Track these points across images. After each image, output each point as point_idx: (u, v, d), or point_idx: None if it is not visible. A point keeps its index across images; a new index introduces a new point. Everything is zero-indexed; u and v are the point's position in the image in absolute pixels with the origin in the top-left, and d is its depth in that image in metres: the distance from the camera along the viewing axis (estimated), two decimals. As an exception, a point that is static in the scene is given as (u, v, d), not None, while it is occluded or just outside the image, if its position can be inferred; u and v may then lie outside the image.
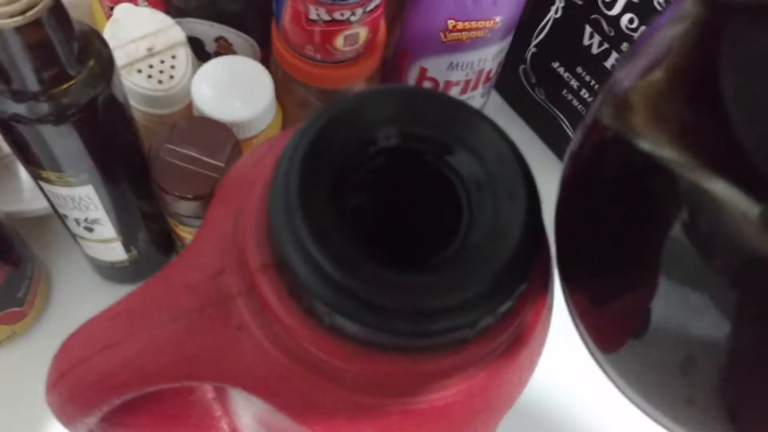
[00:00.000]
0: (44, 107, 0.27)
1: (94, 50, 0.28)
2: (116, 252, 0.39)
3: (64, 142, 0.29)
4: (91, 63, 0.28)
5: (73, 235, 0.38)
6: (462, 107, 0.19)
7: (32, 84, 0.26)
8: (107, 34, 0.37)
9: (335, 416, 0.19)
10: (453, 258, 0.17)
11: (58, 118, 0.27)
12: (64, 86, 0.27)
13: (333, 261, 0.16)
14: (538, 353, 0.22)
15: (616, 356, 0.15)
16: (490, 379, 0.20)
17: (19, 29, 0.24)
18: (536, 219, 0.18)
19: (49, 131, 0.28)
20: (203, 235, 0.21)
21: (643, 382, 0.15)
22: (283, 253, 0.17)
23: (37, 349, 0.41)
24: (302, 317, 0.18)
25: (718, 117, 0.13)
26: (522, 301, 0.19)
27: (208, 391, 0.32)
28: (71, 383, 0.20)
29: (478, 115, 0.19)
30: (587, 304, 0.17)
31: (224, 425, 0.32)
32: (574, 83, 0.44)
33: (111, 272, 0.42)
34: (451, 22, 0.37)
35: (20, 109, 0.27)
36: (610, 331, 0.15)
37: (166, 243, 0.42)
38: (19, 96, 0.27)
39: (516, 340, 0.20)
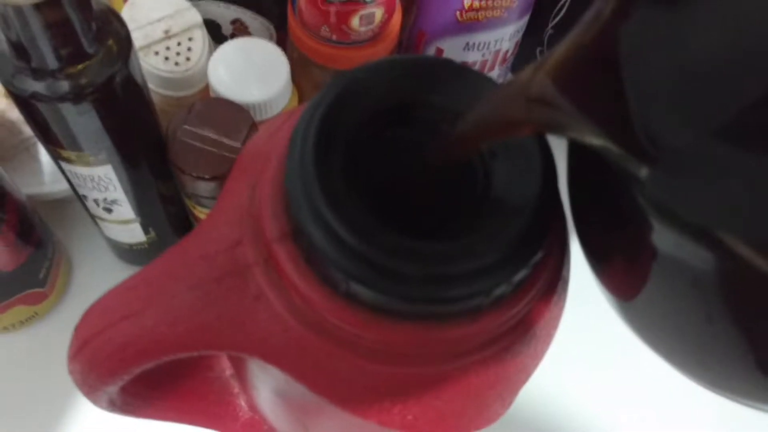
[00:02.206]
0: (63, 85, 0.27)
1: (112, 30, 0.29)
2: (135, 233, 0.39)
3: (83, 120, 0.29)
4: (110, 42, 0.28)
5: (93, 217, 0.38)
6: (477, 76, 0.19)
7: (51, 62, 0.27)
8: (125, 17, 0.37)
9: (351, 385, 0.19)
10: (468, 226, 0.17)
11: (76, 96, 0.28)
12: (83, 64, 0.27)
13: (349, 228, 0.17)
14: (554, 326, 0.22)
15: (635, 303, 0.15)
16: (505, 351, 0.20)
17: (38, 6, 0.24)
18: (552, 188, 0.18)
19: (68, 109, 0.28)
20: (220, 208, 0.21)
21: (662, 321, 0.15)
22: (300, 221, 0.17)
23: (59, 330, 0.42)
24: (319, 286, 0.18)
25: (613, 87, 0.13)
26: (538, 271, 0.19)
27: (226, 368, 0.32)
28: (92, 352, 0.20)
29: (493, 84, 0.19)
30: (601, 260, 0.17)
31: (242, 402, 0.33)
32: (591, 64, 0.43)
33: (130, 254, 0.43)
34: (467, 1, 0.37)
35: (40, 87, 0.27)
36: (626, 281, 0.16)
37: (183, 225, 0.42)
38: (39, 74, 0.27)
39: (531, 311, 0.20)
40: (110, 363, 0.20)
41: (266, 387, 0.24)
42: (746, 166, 0.12)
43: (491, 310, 0.18)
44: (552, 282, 0.20)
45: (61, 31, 0.26)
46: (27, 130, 0.42)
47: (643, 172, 0.13)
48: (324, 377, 0.19)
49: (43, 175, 0.42)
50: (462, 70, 0.19)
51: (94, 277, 0.44)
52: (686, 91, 0.13)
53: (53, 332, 0.42)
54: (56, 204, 0.44)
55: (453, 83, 0.19)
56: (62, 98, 0.28)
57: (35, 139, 0.42)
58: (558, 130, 0.16)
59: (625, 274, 0.16)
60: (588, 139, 0.14)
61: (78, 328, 0.20)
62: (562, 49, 0.15)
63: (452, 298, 0.17)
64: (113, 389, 0.21)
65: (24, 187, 0.40)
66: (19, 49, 0.26)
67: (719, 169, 0.12)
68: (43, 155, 0.43)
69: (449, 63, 0.19)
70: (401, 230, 0.17)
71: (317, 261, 0.17)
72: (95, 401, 0.22)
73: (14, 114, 0.41)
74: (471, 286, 0.17)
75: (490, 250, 0.17)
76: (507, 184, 0.18)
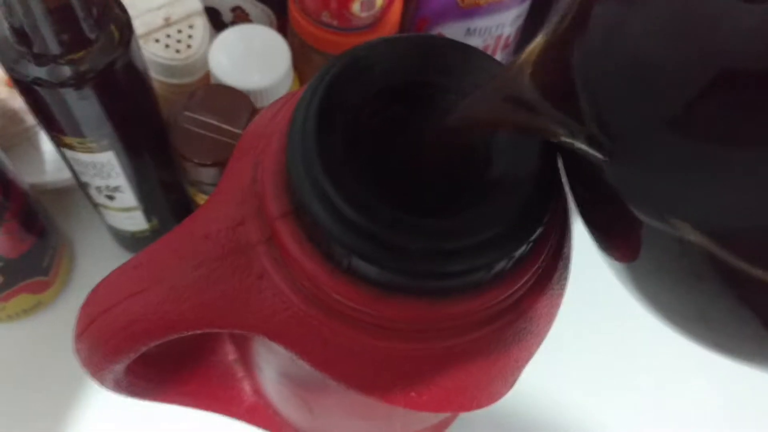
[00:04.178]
0: (65, 71, 0.27)
1: (113, 15, 0.29)
2: (137, 221, 0.39)
3: (84, 106, 0.29)
4: (111, 28, 0.28)
5: (95, 205, 0.39)
6: (477, 54, 0.19)
7: (53, 47, 0.27)
8: (125, 4, 0.37)
9: (354, 362, 0.19)
10: (470, 202, 0.18)
11: (78, 81, 0.28)
12: (84, 50, 0.27)
13: (351, 203, 0.17)
14: (557, 304, 0.22)
15: (632, 267, 0.16)
16: (507, 327, 0.20)
17: (40, -9, 0.24)
18: (552, 164, 0.18)
19: (69, 95, 0.28)
20: (222, 188, 0.21)
21: (658, 281, 0.15)
22: (302, 198, 0.17)
23: (63, 320, 0.42)
24: (321, 262, 0.18)
25: (571, 83, 0.15)
26: (538, 247, 0.19)
27: (229, 352, 0.32)
28: (98, 331, 0.20)
29: (493, 61, 0.19)
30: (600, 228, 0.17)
31: (246, 387, 0.33)
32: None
33: (132, 243, 0.43)
34: (467, -14, 0.37)
35: (41, 72, 0.27)
36: (622, 248, 0.16)
37: (185, 212, 0.42)
38: (41, 59, 0.27)
39: (533, 288, 0.20)
40: (116, 341, 0.20)
41: (270, 367, 0.25)
42: (691, 154, 0.13)
43: (492, 286, 0.18)
44: (553, 259, 0.20)
45: (62, 17, 0.26)
46: (29, 120, 0.42)
47: (604, 162, 0.14)
48: (327, 354, 0.19)
49: (45, 164, 0.43)
50: (464, 49, 0.19)
51: (97, 266, 0.44)
52: (632, 85, 0.14)
53: (57, 321, 0.42)
54: (58, 193, 0.44)
55: (455, 62, 0.19)
56: (64, 84, 0.28)
57: (37, 129, 0.42)
58: (526, 127, 0.16)
59: (619, 242, 0.16)
60: (556, 135, 0.16)
61: (84, 307, 0.21)
62: (531, 47, 0.16)
63: (453, 272, 0.17)
64: (119, 368, 0.21)
65: (26, 176, 0.40)
66: (22, 35, 0.26)
67: (668, 157, 0.13)
68: (45, 145, 0.43)
69: (451, 42, 0.19)
70: (403, 206, 0.17)
71: (320, 238, 0.17)
72: (101, 381, 0.23)
73: (16, 103, 0.41)
74: (472, 261, 0.17)
75: (490, 225, 0.17)
76: (507, 160, 0.18)
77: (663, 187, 0.14)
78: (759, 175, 0.12)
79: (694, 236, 0.13)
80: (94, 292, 0.21)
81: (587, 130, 0.14)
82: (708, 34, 0.13)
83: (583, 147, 0.15)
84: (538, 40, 0.16)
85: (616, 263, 0.17)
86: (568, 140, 0.15)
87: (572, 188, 0.18)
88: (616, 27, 0.14)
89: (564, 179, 0.19)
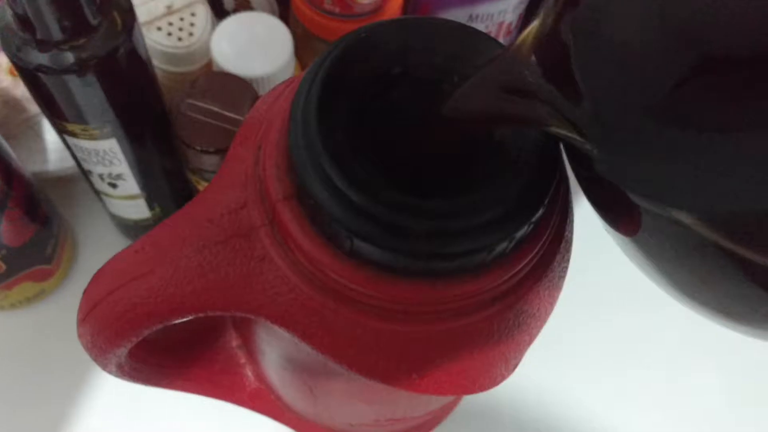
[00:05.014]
0: (67, 57, 0.27)
1: (116, 2, 0.29)
2: (140, 209, 0.40)
3: (87, 93, 0.29)
4: (113, 14, 0.28)
5: (98, 193, 0.39)
6: (479, 36, 0.19)
7: (56, 33, 0.27)
8: (127, -8, 0.37)
9: (357, 344, 0.19)
10: (471, 184, 0.18)
11: (80, 68, 0.28)
12: (87, 36, 0.27)
13: (353, 185, 0.17)
14: (558, 287, 0.22)
15: (636, 240, 0.16)
16: (509, 310, 0.20)
17: (42, -23, 0.24)
18: (554, 147, 0.18)
19: (72, 81, 0.28)
20: (224, 172, 0.21)
21: (661, 252, 0.15)
22: (304, 180, 0.17)
23: (65, 308, 0.43)
24: (323, 245, 0.18)
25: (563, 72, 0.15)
26: (539, 229, 0.19)
27: (232, 338, 0.32)
28: (101, 315, 0.20)
29: (496, 44, 0.19)
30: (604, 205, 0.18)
31: (249, 372, 0.33)
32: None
33: (135, 231, 0.43)
34: (469, -27, 0.37)
35: (44, 59, 0.27)
36: (623, 223, 0.16)
37: (187, 201, 0.42)
38: (43, 46, 0.27)
39: (534, 271, 0.20)
40: (119, 324, 0.20)
41: (273, 351, 0.25)
42: (675, 142, 0.13)
43: (494, 267, 0.18)
44: (554, 242, 0.20)
45: (65, 3, 0.26)
46: (31, 108, 0.42)
47: (593, 152, 0.15)
48: (329, 336, 0.19)
49: (48, 152, 0.43)
50: (466, 31, 0.19)
51: (100, 254, 0.45)
52: (614, 70, 0.14)
53: (60, 309, 0.43)
54: (61, 182, 0.44)
55: (457, 44, 0.19)
56: (67, 70, 0.28)
57: (39, 117, 0.42)
58: (522, 115, 0.17)
59: (620, 218, 0.16)
60: (550, 124, 0.16)
61: (87, 291, 0.21)
62: (528, 31, 0.16)
63: (454, 253, 0.17)
64: (122, 353, 0.21)
65: (29, 164, 0.41)
66: (25, 22, 0.26)
67: (652, 145, 0.13)
68: (48, 133, 0.43)
69: (454, 24, 0.19)
70: (404, 188, 0.17)
71: (321, 220, 0.17)
72: (104, 365, 0.23)
73: (18, 91, 0.41)
74: (473, 242, 0.17)
75: (491, 206, 0.17)
76: (509, 142, 0.18)
77: (649, 175, 0.14)
78: (740, 161, 0.12)
79: (685, 219, 0.14)
80: (97, 276, 0.21)
81: (580, 115, 0.15)
82: (686, 18, 0.13)
83: (573, 136, 0.15)
84: (534, 23, 0.16)
85: (620, 237, 0.17)
86: (561, 131, 0.16)
87: (573, 169, 0.18)
88: (602, 7, 0.14)
89: (566, 160, 0.19)
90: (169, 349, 0.28)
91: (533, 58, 0.16)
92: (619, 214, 0.16)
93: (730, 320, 0.15)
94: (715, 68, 0.12)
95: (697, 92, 0.13)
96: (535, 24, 0.16)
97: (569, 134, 0.15)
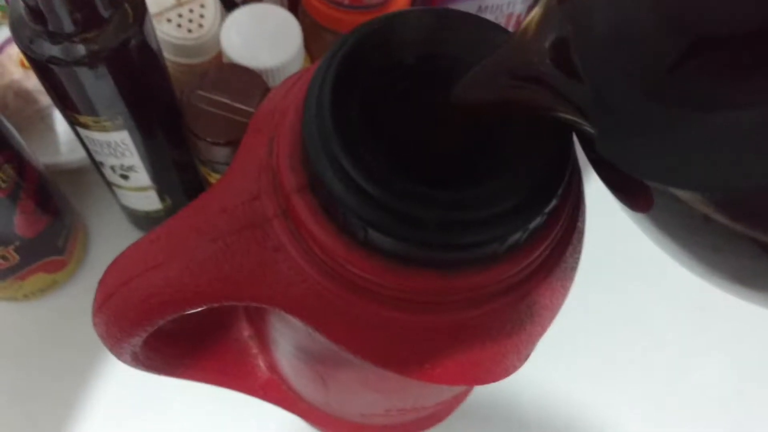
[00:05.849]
0: (79, 49, 0.27)
1: (127, -6, 0.29)
2: (151, 201, 0.40)
3: (99, 84, 0.29)
4: (125, 6, 0.28)
5: (109, 185, 0.39)
6: (492, 27, 0.19)
7: (67, 25, 0.27)
8: (137, -16, 0.37)
9: (370, 333, 0.19)
10: (485, 174, 0.18)
11: (92, 59, 0.28)
12: (98, 29, 0.28)
13: (367, 176, 0.17)
14: (570, 278, 0.22)
15: (650, 215, 0.16)
16: (521, 300, 0.20)
17: (54, -31, 0.24)
18: (566, 137, 0.18)
19: (84, 73, 0.28)
20: (238, 164, 0.21)
21: (673, 226, 0.16)
22: (317, 170, 0.17)
23: (78, 299, 0.43)
24: (337, 235, 0.18)
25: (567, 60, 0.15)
26: (552, 220, 0.19)
27: (244, 329, 0.32)
28: (116, 304, 0.20)
29: (506, 34, 0.19)
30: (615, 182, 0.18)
31: (261, 363, 0.33)
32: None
33: (146, 222, 0.43)
34: (479, -36, 0.37)
35: (56, 51, 0.27)
36: (636, 200, 0.16)
37: (198, 192, 0.42)
38: (55, 38, 0.27)
39: (547, 261, 0.20)
40: (135, 314, 0.20)
41: (286, 341, 0.25)
42: (675, 121, 0.13)
43: (507, 258, 0.18)
44: (567, 233, 0.20)
45: (76, -6, 0.26)
46: (43, 100, 0.42)
47: (594, 134, 0.15)
48: (343, 326, 0.19)
49: (59, 144, 0.43)
50: (477, 21, 0.19)
51: (111, 245, 0.45)
52: (615, 57, 0.14)
53: (73, 300, 0.43)
54: (72, 173, 0.44)
55: (468, 34, 0.19)
56: (78, 62, 0.28)
57: (51, 109, 0.43)
58: (529, 99, 0.17)
59: (632, 197, 0.16)
60: (556, 109, 0.16)
61: (103, 280, 0.21)
62: (532, 14, 0.16)
63: (468, 244, 0.17)
64: (137, 341, 0.22)
65: (41, 156, 0.41)
66: (36, 13, 0.26)
67: (647, 125, 0.14)
68: (59, 125, 0.43)
69: (465, 15, 0.19)
70: (418, 179, 0.17)
71: (335, 210, 0.18)
72: (119, 355, 0.23)
73: (30, 83, 0.41)
74: (486, 233, 0.17)
75: (505, 197, 0.17)
76: (522, 132, 0.18)
77: (647, 156, 0.14)
78: (735, 141, 0.13)
79: (686, 197, 0.14)
80: (113, 265, 0.21)
81: (582, 97, 0.15)
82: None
83: (577, 120, 0.15)
84: (537, 9, 0.16)
85: (633, 213, 0.17)
86: (567, 116, 0.16)
87: (584, 150, 0.18)
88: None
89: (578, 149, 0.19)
90: (181, 338, 0.28)
91: (537, 42, 0.16)
92: (631, 193, 0.16)
93: (746, 289, 0.15)
94: (708, 46, 0.13)
95: (692, 72, 0.13)
96: (537, 9, 0.16)
97: (574, 118, 0.16)
